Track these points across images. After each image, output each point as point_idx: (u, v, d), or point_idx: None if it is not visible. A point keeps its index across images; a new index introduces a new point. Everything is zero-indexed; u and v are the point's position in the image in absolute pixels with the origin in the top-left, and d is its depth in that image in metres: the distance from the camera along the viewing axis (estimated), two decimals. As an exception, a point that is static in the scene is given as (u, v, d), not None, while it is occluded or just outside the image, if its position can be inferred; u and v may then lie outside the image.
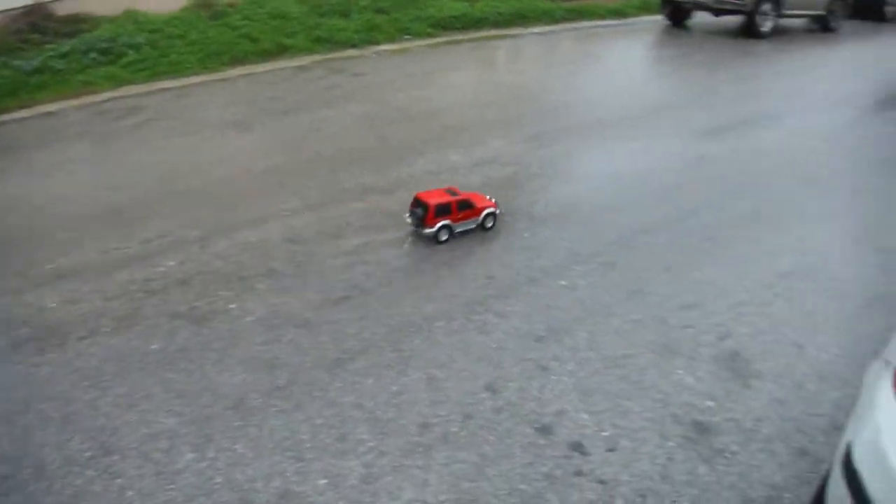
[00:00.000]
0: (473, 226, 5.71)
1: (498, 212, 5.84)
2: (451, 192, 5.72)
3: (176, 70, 10.50)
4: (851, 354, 4.28)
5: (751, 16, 15.27)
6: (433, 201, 5.51)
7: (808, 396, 3.94)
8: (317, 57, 11.62)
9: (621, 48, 14.55)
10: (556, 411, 3.72)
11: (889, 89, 11.40)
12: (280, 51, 11.72)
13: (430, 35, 13.47)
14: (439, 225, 5.51)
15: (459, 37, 13.53)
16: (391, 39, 12.91)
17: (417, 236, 5.61)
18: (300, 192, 6.22)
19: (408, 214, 5.70)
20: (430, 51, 12.52)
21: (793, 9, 16.14)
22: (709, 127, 8.70)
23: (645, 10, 17.30)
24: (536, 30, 14.74)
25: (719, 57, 13.42)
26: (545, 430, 3.59)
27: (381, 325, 4.39)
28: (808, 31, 17.18)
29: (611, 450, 3.47)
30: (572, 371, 4.03)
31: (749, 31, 15.45)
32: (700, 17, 16.64)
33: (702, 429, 3.65)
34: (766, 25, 15.53)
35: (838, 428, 3.32)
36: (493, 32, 14.13)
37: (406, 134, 7.84)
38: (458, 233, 5.65)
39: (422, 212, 5.53)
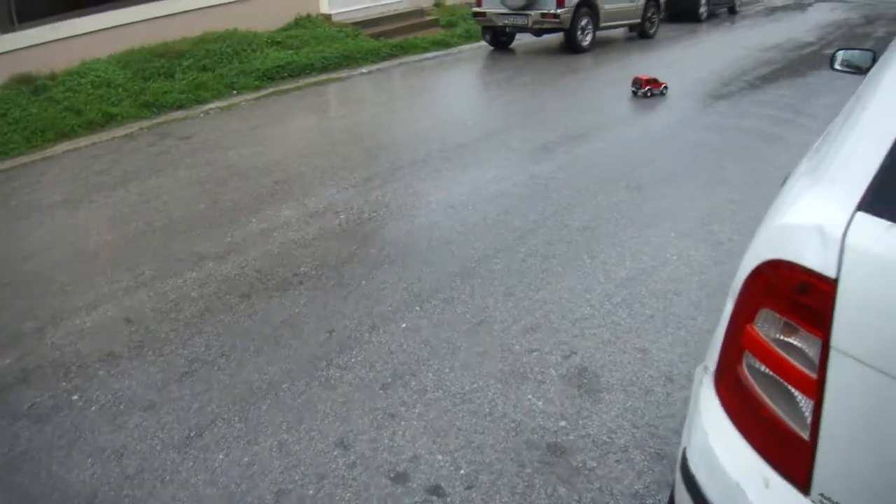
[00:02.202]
0: (660, 93, 11.46)
1: (666, 86, 11.59)
2: (647, 75, 11.57)
3: (2, 152, 10.09)
4: (695, 352, 4.45)
5: (570, 32, 15.74)
6: (645, 78, 11.46)
7: (657, 400, 4.08)
8: (144, 123, 11.37)
9: (449, 78, 14.80)
10: (410, 457, 3.73)
11: (707, 88, 11.90)
12: (106, 120, 11.43)
13: (257, 87, 13.37)
14: (647, 89, 11.38)
15: (287, 86, 13.48)
16: (219, 96, 12.76)
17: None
18: (133, 269, 6.07)
19: (634, 87, 11.48)
20: (258, 104, 12.45)
21: (610, 21, 16.72)
22: (538, 145, 8.93)
23: (468, 38, 17.60)
24: (364, 69, 14.82)
25: (544, 75, 13.79)
26: (401, 478, 3.59)
27: (226, 395, 4.32)
28: (628, 39, 17.81)
29: (469, 487, 3.50)
30: (422, 413, 4.06)
31: (571, 47, 15.92)
32: (523, 38, 17.02)
33: (557, 450, 3.72)
34: (586, 39, 16.05)
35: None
36: (322, 77, 14.15)
37: (237, 194, 7.76)
38: (651, 93, 11.38)
39: (639, 85, 11.39)
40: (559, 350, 4.60)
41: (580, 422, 3.93)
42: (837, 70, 5.38)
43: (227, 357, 4.73)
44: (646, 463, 3.60)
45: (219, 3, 15.14)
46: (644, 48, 16.88)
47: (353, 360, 4.60)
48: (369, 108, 12.49)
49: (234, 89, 13.15)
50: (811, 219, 1.79)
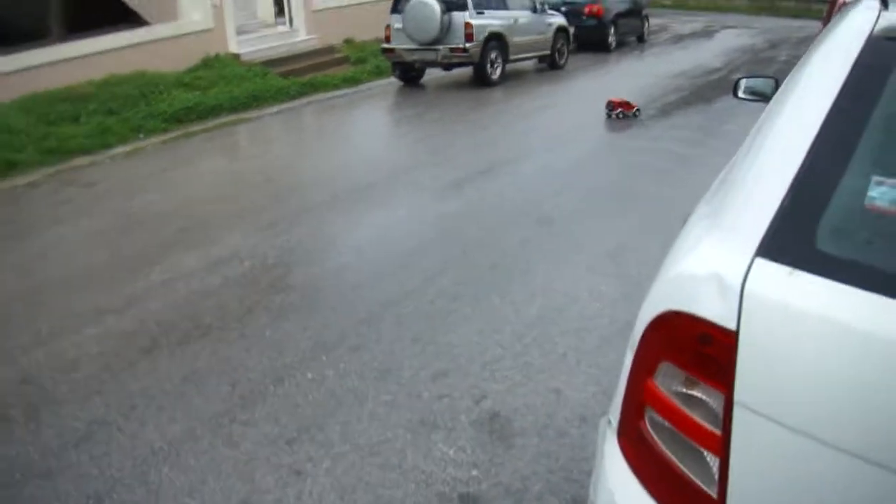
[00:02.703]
0: (632, 115, 12.21)
1: (638, 108, 12.46)
2: (619, 98, 12.38)
3: None
4: (608, 390, 4.36)
5: (480, 66, 15.83)
6: (617, 101, 12.27)
7: (572, 442, 4.02)
8: (48, 170, 10.99)
9: (359, 115, 14.77)
10: (316, 516, 3.61)
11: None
12: (8, 168, 11.01)
13: (165, 130, 13.08)
14: (618, 111, 12.16)
15: (195, 128, 13.25)
16: (125, 140, 12.43)
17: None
18: (30, 326, 5.82)
19: (607, 110, 12.23)
20: (164, 147, 12.20)
21: (519, 53, 16.86)
22: (447, 182, 8.91)
23: (378, 74, 17.57)
24: (274, 109, 14.68)
25: (454, 111, 13.84)
26: (307, 538, 3.47)
27: (126, 458, 4.15)
28: (538, 71, 17.96)
29: (378, 544, 3.40)
30: (329, 469, 3.95)
31: (481, 80, 16.00)
32: (433, 73, 17.06)
33: (470, 501, 3.66)
34: (496, 72, 16.15)
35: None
36: (230, 118, 13.96)
37: (140, 243, 7.52)
38: (623, 115, 12.18)
39: (611, 108, 12.15)
40: (470, 395, 4.53)
41: (493, 469, 3.87)
42: (741, 98, 5.42)
43: (127, 417, 4.54)
44: (561, 509, 3.54)
45: (125, 44, 14.86)
46: (554, 79, 17.07)
47: (257, 414, 4.46)
48: (278, 148, 12.41)
49: (140, 133, 12.86)
50: (709, 267, 1.73)
